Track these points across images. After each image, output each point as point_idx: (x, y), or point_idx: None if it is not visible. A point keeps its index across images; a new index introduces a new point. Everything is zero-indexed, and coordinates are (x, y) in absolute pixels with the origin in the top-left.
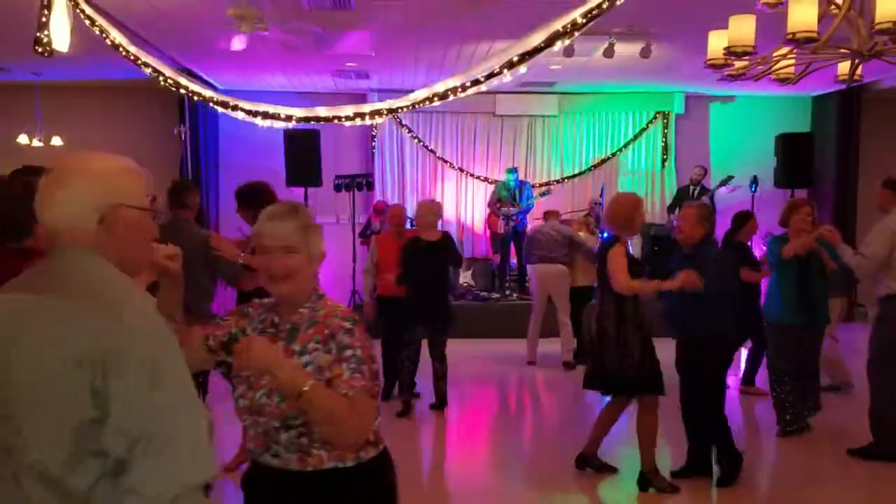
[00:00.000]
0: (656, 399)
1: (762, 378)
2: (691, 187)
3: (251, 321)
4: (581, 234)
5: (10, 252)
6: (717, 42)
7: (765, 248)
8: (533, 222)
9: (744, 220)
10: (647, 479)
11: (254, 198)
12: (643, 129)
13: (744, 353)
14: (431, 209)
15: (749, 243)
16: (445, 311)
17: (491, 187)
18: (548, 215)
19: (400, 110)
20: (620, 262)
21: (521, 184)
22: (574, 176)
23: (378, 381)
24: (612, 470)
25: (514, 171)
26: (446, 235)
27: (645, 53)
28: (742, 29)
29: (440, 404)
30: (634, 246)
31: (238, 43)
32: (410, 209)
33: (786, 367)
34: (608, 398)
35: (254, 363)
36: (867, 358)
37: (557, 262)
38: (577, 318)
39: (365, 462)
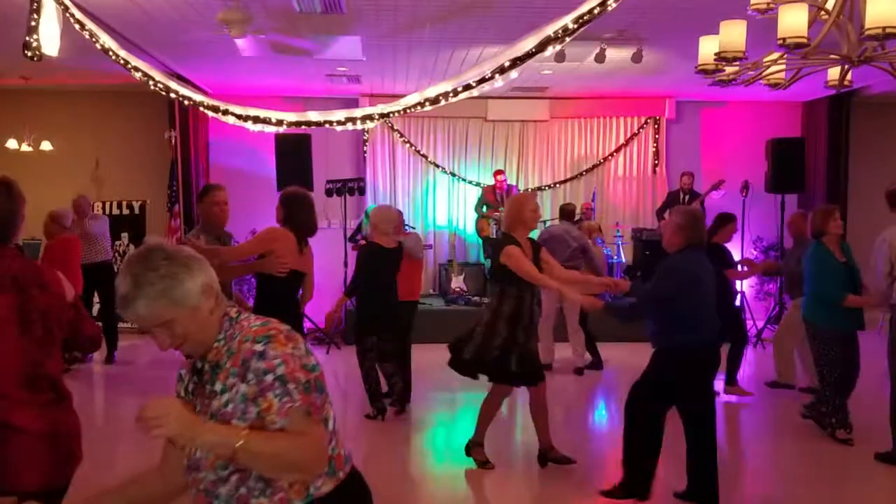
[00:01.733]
0: (509, 389)
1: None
2: (681, 193)
3: (183, 380)
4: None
5: None
6: (707, 47)
7: (755, 251)
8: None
9: (723, 222)
10: (469, 448)
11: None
12: (634, 135)
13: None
14: (386, 217)
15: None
16: (395, 320)
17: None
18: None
19: (391, 115)
20: (518, 254)
21: (509, 187)
22: (565, 181)
23: (317, 393)
24: (570, 461)
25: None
26: (402, 245)
27: (636, 59)
28: (733, 34)
29: (400, 406)
30: (626, 250)
31: (245, 46)
32: (403, 214)
33: (835, 373)
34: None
35: (173, 435)
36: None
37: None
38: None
39: (319, 499)
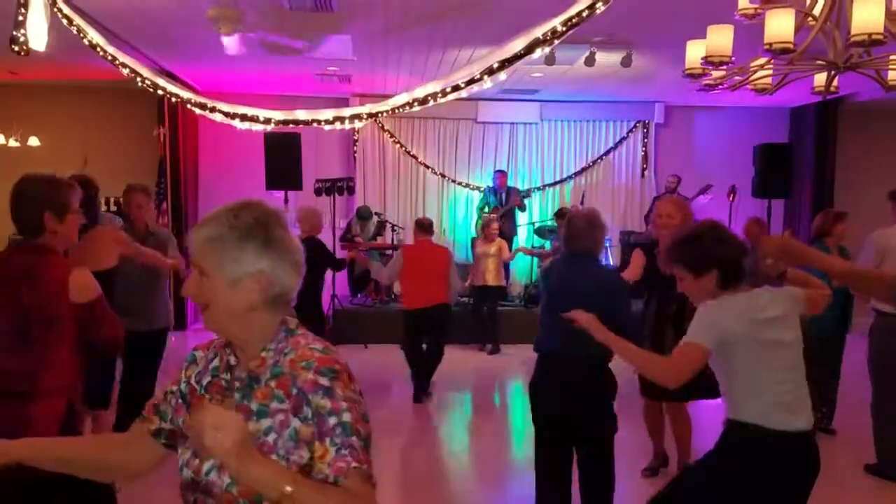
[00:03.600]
0: None
1: None
2: (667, 195)
3: (197, 365)
4: None
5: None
6: (695, 51)
7: None
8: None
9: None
10: None
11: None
12: (623, 138)
13: None
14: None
15: None
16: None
17: (473, 193)
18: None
19: (380, 115)
20: None
21: (509, 189)
22: (554, 184)
23: (369, 452)
24: None
25: (498, 172)
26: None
27: (626, 63)
28: (720, 39)
29: None
30: (615, 253)
31: (231, 45)
32: (393, 214)
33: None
34: None
35: (223, 455)
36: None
37: None
38: None
39: None
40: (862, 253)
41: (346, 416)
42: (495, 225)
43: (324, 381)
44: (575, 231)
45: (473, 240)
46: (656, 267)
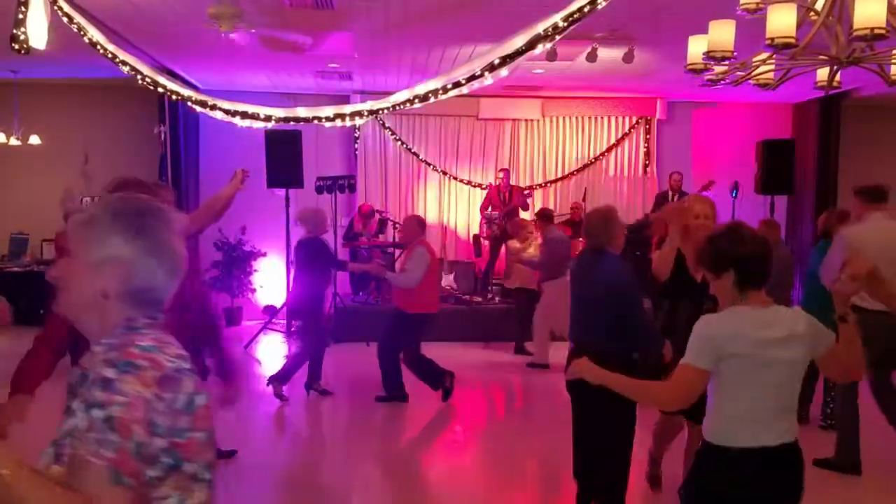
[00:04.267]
0: None
1: None
2: (670, 192)
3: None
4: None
5: None
6: (696, 47)
7: None
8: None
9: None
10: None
11: None
12: (625, 135)
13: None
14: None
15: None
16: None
17: (476, 191)
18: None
19: (381, 112)
20: None
21: (511, 187)
22: (557, 180)
23: (155, 466)
24: None
25: (503, 171)
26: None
27: (627, 59)
28: (722, 34)
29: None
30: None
31: (239, 38)
32: (394, 212)
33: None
34: None
35: None
36: None
37: None
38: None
39: None
40: (832, 251)
41: (116, 411)
42: (531, 227)
43: (108, 373)
44: (590, 227)
45: (498, 239)
46: (685, 273)
